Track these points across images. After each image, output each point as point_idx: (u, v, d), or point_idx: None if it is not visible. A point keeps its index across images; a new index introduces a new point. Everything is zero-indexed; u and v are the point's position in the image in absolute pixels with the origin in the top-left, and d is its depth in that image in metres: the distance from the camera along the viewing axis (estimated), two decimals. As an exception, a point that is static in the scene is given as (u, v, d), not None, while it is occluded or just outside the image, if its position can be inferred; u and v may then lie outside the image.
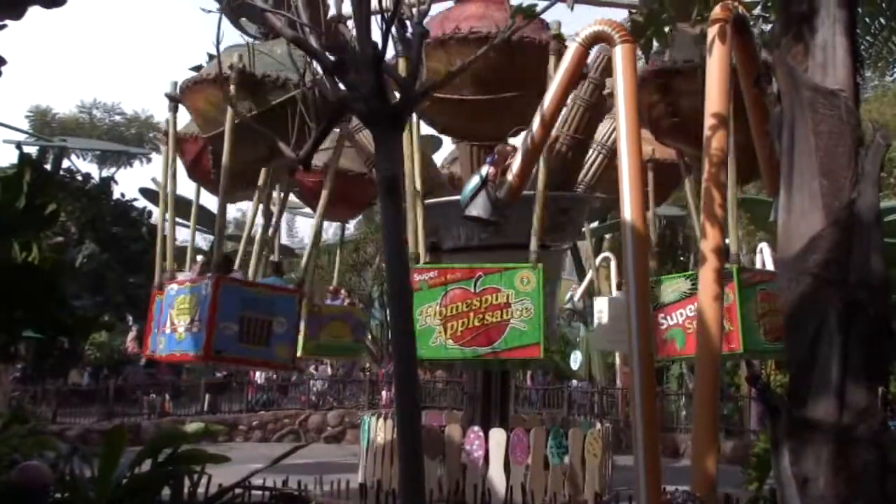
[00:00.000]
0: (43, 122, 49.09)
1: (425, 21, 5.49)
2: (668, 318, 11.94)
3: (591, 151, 13.89)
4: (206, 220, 27.55)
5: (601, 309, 15.59)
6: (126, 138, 50.05)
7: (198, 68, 14.05)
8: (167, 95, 13.55)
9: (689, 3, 5.88)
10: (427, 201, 11.86)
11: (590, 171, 13.85)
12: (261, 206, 14.84)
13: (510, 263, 10.81)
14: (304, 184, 16.88)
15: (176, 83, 13.66)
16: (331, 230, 30.65)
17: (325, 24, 5.22)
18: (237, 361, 12.74)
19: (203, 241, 34.75)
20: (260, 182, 14.21)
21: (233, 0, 5.71)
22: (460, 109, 12.36)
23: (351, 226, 41.19)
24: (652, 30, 6.11)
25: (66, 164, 34.18)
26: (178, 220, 15.70)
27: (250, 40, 12.52)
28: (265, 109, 11.92)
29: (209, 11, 6.05)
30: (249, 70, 12.13)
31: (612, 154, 13.38)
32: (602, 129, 13.96)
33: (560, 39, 9.78)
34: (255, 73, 12.15)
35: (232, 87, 11.78)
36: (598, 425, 13.89)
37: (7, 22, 2.09)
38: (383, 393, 26.08)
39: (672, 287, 12.13)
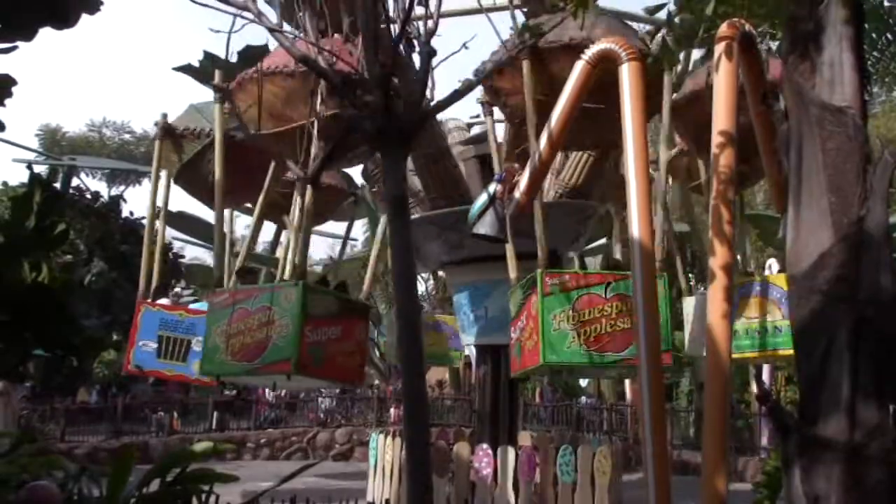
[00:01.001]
0: (53, 141, 49.46)
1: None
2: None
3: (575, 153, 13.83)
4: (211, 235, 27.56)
5: (688, 312, 13.69)
6: (135, 157, 50.34)
7: (184, 68, 14.48)
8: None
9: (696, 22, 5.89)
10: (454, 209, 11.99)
11: (576, 171, 13.81)
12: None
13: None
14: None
15: (166, 114, 14.69)
16: (337, 246, 30.70)
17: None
18: (155, 374, 14.22)
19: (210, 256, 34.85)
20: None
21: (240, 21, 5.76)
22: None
23: (359, 243, 41.29)
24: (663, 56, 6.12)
25: (75, 182, 34.36)
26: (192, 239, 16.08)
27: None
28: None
29: (217, 31, 6.09)
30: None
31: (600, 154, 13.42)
32: None
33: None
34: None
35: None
36: (608, 442, 13.82)
37: (18, 43, 2.10)
38: (392, 410, 26.03)
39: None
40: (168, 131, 14.59)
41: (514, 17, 10.92)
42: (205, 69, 14.58)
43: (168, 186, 14.69)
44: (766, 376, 21.97)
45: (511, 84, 11.35)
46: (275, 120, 10.60)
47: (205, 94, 14.33)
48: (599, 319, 10.40)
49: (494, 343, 13.40)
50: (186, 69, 16.22)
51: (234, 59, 11.39)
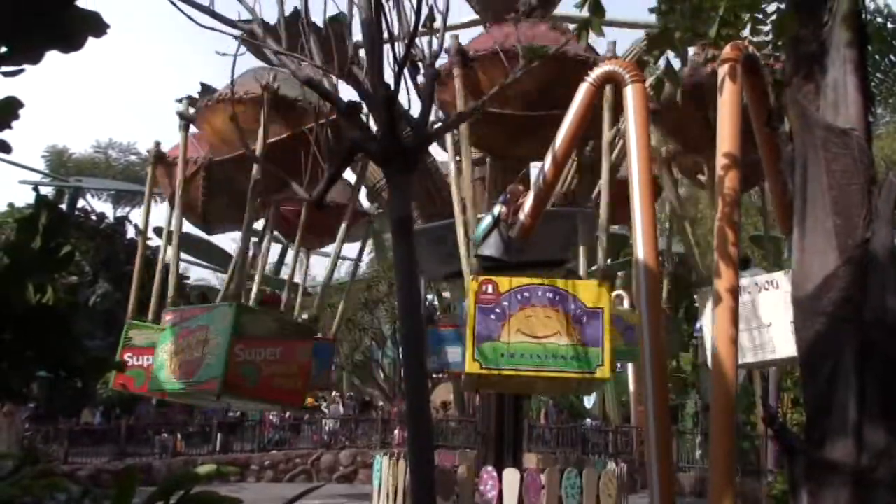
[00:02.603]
0: (59, 162, 49.66)
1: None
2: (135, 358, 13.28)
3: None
4: (218, 257, 27.66)
5: (705, 332, 12.71)
6: (141, 178, 50.27)
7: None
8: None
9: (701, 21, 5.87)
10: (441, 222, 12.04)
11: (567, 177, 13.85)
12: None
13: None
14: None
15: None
16: (343, 268, 30.68)
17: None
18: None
19: (216, 278, 34.92)
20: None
21: (247, 41, 5.79)
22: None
23: (364, 264, 41.31)
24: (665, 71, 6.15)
25: (81, 203, 34.53)
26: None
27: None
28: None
29: (223, 54, 6.13)
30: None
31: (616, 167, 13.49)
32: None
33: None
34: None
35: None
36: (613, 465, 13.74)
37: (24, 66, 2.11)
38: (396, 432, 25.91)
39: (144, 334, 13.56)
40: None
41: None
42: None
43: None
44: (772, 398, 21.86)
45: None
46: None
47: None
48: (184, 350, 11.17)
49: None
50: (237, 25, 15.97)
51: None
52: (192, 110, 14.09)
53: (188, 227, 16.92)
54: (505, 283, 9.74)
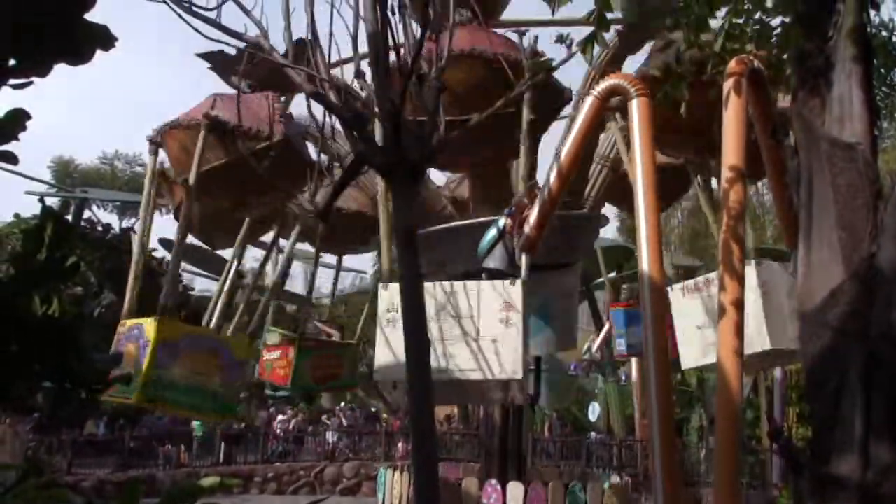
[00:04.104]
0: (65, 173, 49.80)
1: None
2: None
3: (593, 165, 14.00)
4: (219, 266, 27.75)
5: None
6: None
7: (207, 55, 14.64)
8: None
9: (705, 57, 5.92)
10: (434, 227, 12.06)
11: (595, 184, 13.89)
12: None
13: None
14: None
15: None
16: (348, 279, 30.74)
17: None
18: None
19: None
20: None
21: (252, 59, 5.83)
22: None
23: (368, 275, 41.31)
24: (670, 83, 6.16)
25: (86, 214, 34.58)
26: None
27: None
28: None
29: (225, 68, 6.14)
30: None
31: (615, 166, 13.55)
32: (602, 142, 14.14)
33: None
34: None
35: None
36: (617, 478, 13.68)
37: (33, 79, 2.13)
38: (399, 444, 25.85)
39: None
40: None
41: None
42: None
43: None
44: (777, 412, 21.77)
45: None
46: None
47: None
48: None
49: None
50: (208, 56, 15.97)
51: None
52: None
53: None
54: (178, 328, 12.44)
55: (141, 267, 14.45)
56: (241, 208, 14.45)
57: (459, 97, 11.76)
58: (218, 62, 15.43)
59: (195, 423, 23.30)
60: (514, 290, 9.19)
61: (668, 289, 10.68)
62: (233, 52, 12.29)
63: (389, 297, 9.31)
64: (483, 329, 9.09)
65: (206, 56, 15.35)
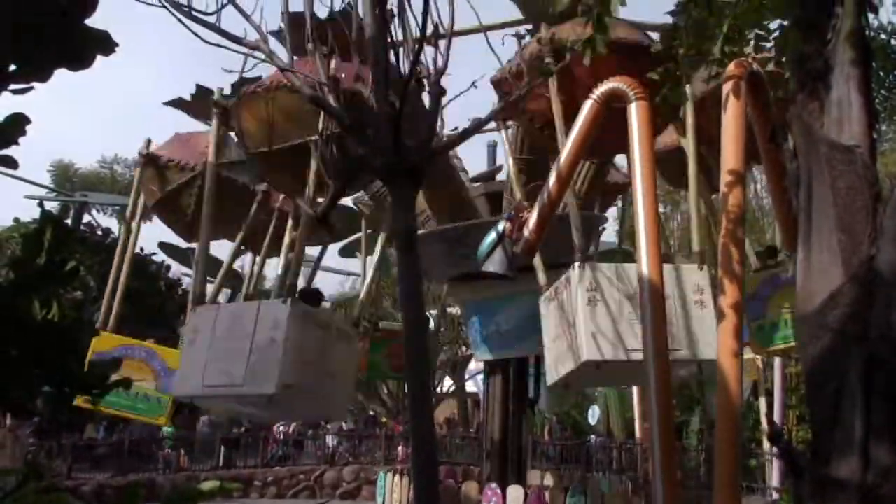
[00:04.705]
0: (65, 177, 49.73)
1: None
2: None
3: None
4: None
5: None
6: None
7: (175, 102, 14.96)
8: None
9: (703, 59, 5.92)
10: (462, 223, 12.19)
11: (578, 180, 13.87)
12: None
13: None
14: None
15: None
16: (348, 284, 30.69)
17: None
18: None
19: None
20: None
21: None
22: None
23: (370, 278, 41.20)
24: (668, 87, 6.16)
25: (86, 218, 34.57)
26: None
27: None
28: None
29: (230, 71, 6.17)
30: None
31: (601, 163, 13.56)
32: None
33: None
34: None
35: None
36: (617, 482, 13.68)
37: (33, 84, 2.13)
38: (399, 448, 25.84)
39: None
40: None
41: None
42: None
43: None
44: (777, 415, 21.76)
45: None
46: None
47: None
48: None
49: (511, 357, 13.46)
50: (177, 103, 16.35)
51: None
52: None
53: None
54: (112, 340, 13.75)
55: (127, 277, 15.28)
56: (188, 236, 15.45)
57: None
58: (183, 105, 16.02)
59: (165, 429, 23.18)
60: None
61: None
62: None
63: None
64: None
65: (171, 103, 16.11)
